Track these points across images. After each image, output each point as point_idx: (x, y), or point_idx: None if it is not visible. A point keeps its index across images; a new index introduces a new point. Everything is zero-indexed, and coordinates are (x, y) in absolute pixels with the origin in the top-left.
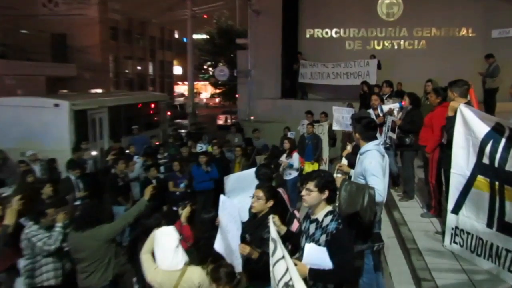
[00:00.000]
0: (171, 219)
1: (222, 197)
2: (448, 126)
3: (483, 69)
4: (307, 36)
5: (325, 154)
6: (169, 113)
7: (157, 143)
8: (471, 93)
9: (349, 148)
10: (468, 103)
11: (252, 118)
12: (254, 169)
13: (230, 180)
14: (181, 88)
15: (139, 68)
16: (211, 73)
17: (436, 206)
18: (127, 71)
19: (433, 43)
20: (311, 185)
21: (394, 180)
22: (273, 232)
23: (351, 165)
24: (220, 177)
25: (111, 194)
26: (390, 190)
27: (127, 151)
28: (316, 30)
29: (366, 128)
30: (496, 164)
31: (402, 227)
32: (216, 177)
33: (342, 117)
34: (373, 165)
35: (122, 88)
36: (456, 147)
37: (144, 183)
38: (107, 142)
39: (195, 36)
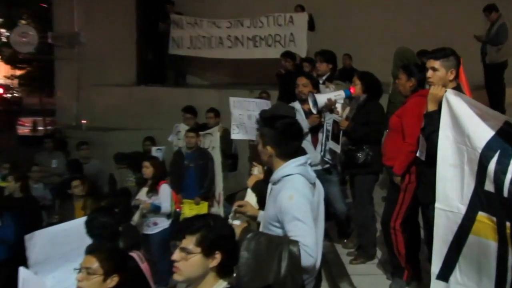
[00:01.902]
0: None
1: (22, 271)
2: (429, 129)
3: (483, 30)
4: None
5: (219, 185)
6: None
7: None
8: (460, 71)
9: (256, 172)
10: (457, 89)
11: (84, 122)
12: (83, 220)
13: (39, 241)
14: None
15: None
16: (4, 40)
17: (409, 268)
18: None
19: None
20: (189, 242)
21: (342, 228)
22: None
23: (262, 202)
24: (21, 236)
25: None
26: (334, 245)
27: None
28: None
29: (284, 135)
30: (505, 193)
31: None
32: (11, 239)
33: (248, 116)
34: (296, 201)
35: None
36: (443, 165)
37: None
38: None
39: None
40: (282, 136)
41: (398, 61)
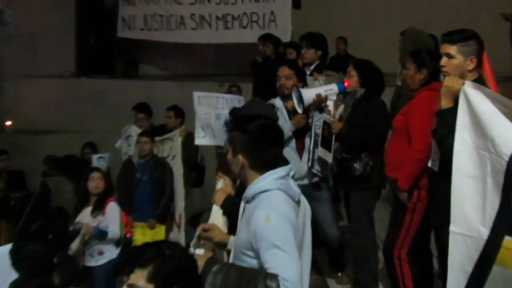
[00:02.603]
0: None
1: None
2: (442, 131)
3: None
4: None
5: (180, 203)
6: None
7: None
8: (483, 59)
9: (221, 185)
10: (479, 81)
11: (9, 124)
12: (6, 248)
13: None
14: None
15: None
16: None
17: None
18: None
19: None
20: (139, 277)
21: (334, 257)
22: None
23: (234, 225)
24: None
25: None
26: (325, 279)
27: None
28: None
29: (259, 140)
30: None
31: None
32: None
33: (216, 116)
34: (275, 224)
35: None
36: (459, 177)
37: None
38: None
39: None
40: (257, 141)
41: (410, 45)
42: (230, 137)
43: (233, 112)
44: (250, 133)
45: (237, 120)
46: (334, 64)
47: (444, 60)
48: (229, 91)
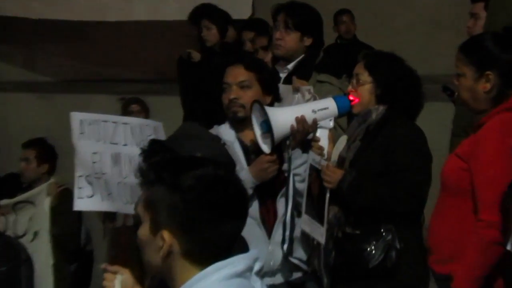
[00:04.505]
0: None
1: None
2: None
3: None
4: None
5: None
6: None
7: None
8: None
9: (117, 285)
10: None
11: None
12: None
13: None
14: None
15: None
16: None
17: None
18: None
19: None
20: None
21: None
22: None
23: None
24: None
25: None
26: None
27: None
28: None
29: (203, 205)
30: None
31: None
32: None
33: (113, 158)
34: None
35: None
36: None
37: None
38: None
39: None
40: (198, 207)
41: (505, 17)
42: (147, 199)
43: (156, 149)
44: (186, 192)
45: (161, 166)
46: (330, 61)
47: None
48: (125, 112)
